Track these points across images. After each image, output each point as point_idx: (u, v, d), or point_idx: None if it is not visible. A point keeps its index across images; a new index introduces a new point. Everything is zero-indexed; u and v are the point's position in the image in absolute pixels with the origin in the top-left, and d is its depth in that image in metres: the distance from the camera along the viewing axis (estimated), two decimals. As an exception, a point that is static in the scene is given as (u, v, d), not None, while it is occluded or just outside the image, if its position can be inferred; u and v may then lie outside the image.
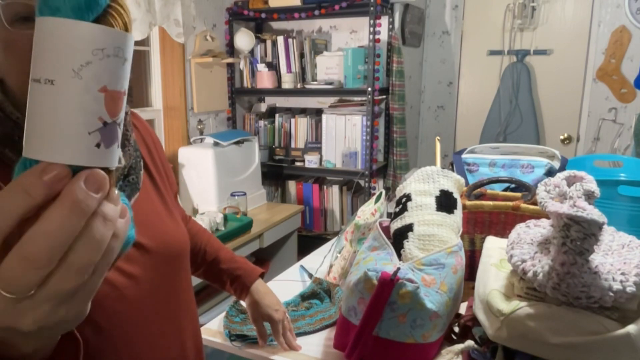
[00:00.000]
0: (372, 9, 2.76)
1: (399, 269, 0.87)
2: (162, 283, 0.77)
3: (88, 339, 0.67)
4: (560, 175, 0.84)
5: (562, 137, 3.30)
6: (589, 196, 0.77)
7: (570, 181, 0.82)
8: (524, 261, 0.79)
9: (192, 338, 0.85)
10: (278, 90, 3.19)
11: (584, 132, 3.20)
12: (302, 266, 1.49)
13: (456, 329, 0.99)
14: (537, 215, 1.07)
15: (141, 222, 0.75)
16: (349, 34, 3.25)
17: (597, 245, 0.71)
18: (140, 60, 2.84)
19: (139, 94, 2.87)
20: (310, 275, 1.41)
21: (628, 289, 0.70)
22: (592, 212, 0.69)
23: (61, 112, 0.29)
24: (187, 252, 0.83)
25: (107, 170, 0.32)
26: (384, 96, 3.09)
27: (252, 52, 3.20)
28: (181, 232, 0.82)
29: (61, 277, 0.30)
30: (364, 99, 2.94)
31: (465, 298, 1.03)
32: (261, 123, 3.30)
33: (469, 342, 0.86)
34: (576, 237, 0.69)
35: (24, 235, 0.29)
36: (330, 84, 2.98)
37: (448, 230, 0.98)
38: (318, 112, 3.20)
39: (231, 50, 3.18)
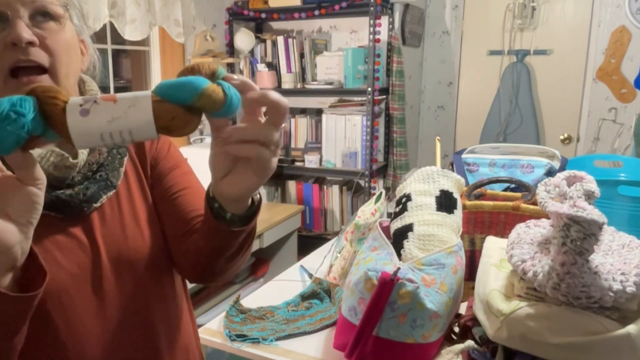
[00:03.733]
0: (372, 9, 2.76)
1: (399, 269, 0.87)
2: (121, 292, 0.74)
3: (38, 338, 0.66)
4: (560, 175, 0.84)
5: (562, 137, 3.30)
6: (589, 196, 0.77)
7: (570, 181, 0.82)
8: (524, 261, 0.79)
9: (171, 346, 0.81)
10: (278, 90, 3.18)
11: (584, 132, 3.20)
12: (302, 266, 1.49)
13: (456, 329, 0.99)
14: (537, 215, 1.07)
15: (101, 229, 0.74)
16: (349, 34, 3.25)
17: (597, 245, 0.71)
18: (140, 60, 2.84)
19: (139, 94, 2.87)
20: (310, 275, 1.41)
21: (628, 289, 0.70)
22: (592, 212, 0.69)
23: None
24: (147, 260, 0.77)
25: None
26: (384, 96, 3.09)
27: (252, 52, 3.20)
28: (143, 240, 0.78)
29: None
30: (364, 99, 2.94)
31: (465, 298, 1.03)
32: (261, 123, 3.30)
33: (469, 342, 0.86)
34: (576, 237, 0.69)
35: None
36: (330, 84, 2.98)
37: (448, 230, 0.98)
38: (318, 112, 3.20)
39: (231, 50, 3.18)
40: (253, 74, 3.22)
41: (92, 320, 0.71)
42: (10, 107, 0.47)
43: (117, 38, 2.47)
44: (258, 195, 0.68)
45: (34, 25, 0.64)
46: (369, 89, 2.85)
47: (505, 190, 1.33)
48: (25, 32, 0.62)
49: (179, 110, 0.50)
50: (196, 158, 2.71)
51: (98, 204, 0.74)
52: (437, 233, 0.96)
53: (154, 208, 0.81)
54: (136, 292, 0.76)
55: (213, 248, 0.71)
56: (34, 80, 0.64)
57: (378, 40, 2.84)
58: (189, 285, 0.93)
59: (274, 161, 0.57)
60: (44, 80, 0.66)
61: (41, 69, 0.66)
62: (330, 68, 3.05)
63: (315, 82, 3.06)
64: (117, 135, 0.49)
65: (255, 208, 0.67)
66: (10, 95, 0.64)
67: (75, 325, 0.69)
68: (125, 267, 0.75)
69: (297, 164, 3.15)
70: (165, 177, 0.83)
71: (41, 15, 0.65)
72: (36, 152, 0.67)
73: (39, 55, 0.65)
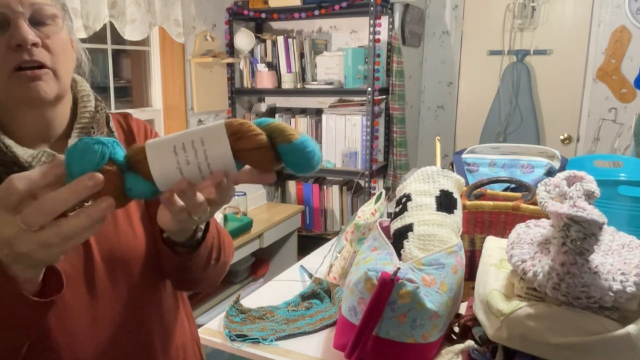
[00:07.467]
0: (372, 9, 2.76)
1: (399, 268, 0.88)
2: (115, 291, 0.74)
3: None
4: (560, 175, 0.84)
5: (562, 137, 3.30)
6: (589, 196, 0.77)
7: (570, 181, 0.82)
8: (524, 261, 0.79)
9: (166, 345, 0.81)
10: (278, 90, 3.19)
11: (584, 132, 3.20)
12: (302, 266, 1.49)
13: (456, 329, 0.99)
14: (537, 215, 1.07)
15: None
16: (349, 34, 3.25)
17: (597, 245, 0.71)
18: (140, 60, 2.84)
19: (139, 94, 2.87)
20: (310, 275, 1.41)
21: (628, 289, 0.70)
22: (592, 212, 0.69)
23: None
24: (140, 259, 0.78)
25: None
26: (384, 96, 3.09)
27: (252, 52, 3.20)
28: (136, 239, 0.78)
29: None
30: (364, 99, 2.94)
31: (465, 298, 1.03)
32: (261, 123, 3.30)
33: (469, 342, 0.86)
34: (576, 237, 0.69)
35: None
36: (330, 84, 2.98)
37: (448, 230, 0.98)
38: (318, 112, 3.20)
39: (231, 50, 3.18)
40: (253, 74, 3.22)
41: (85, 320, 0.71)
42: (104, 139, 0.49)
43: (117, 38, 2.47)
44: (202, 227, 0.72)
45: (34, 26, 0.66)
46: (369, 89, 2.85)
47: (505, 190, 1.33)
48: (30, 34, 0.64)
49: (248, 122, 0.52)
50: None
51: None
52: (437, 233, 0.96)
53: (146, 208, 0.82)
54: (129, 291, 0.76)
55: (171, 266, 0.75)
56: (38, 73, 0.66)
57: (378, 40, 2.84)
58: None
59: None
60: (47, 74, 0.67)
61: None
62: (330, 68, 3.05)
63: (315, 82, 3.06)
64: (189, 145, 0.49)
65: (196, 241, 0.71)
66: (15, 87, 0.65)
67: (68, 324, 0.69)
68: (118, 266, 0.75)
69: (297, 164, 3.15)
70: None
71: (40, 17, 0.66)
72: (27, 152, 0.67)
73: (41, 55, 0.66)
